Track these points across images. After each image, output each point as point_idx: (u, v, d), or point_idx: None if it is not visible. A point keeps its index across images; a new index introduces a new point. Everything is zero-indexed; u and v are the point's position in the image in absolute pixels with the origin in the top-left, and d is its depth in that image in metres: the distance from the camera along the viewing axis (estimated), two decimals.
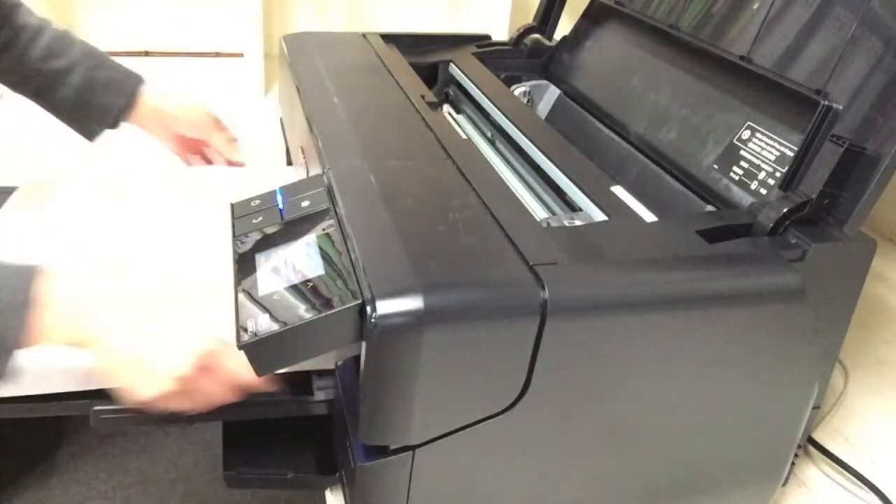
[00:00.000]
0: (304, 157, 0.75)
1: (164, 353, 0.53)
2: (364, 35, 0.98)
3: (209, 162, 0.92)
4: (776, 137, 0.65)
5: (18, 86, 0.82)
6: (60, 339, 0.53)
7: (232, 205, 0.63)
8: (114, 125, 0.85)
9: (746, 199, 0.64)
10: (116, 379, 0.54)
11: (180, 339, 0.55)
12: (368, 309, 0.45)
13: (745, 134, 0.68)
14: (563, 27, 1.02)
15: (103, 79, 0.83)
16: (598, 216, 0.62)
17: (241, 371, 0.56)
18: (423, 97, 0.77)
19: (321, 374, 0.60)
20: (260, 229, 0.58)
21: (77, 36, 0.84)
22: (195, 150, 0.91)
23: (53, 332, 0.52)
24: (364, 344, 0.47)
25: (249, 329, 0.49)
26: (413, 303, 0.45)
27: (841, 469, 0.76)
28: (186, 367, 0.53)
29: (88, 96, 0.83)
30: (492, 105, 0.84)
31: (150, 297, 0.56)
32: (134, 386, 0.54)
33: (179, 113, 0.87)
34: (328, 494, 0.62)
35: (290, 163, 0.95)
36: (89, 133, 0.85)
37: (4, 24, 0.78)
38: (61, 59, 0.81)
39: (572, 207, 0.67)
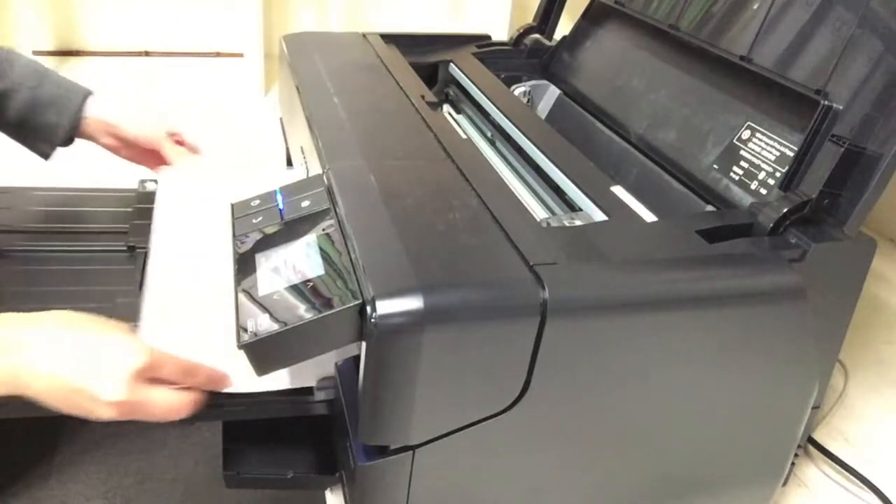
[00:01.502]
0: (304, 157, 0.75)
1: (94, 383, 0.53)
2: (364, 35, 0.98)
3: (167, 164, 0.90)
4: (776, 137, 0.65)
5: None
6: None
7: (232, 205, 0.63)
8: (65, 143, 0.85)
9: (746, 199, 0.64)
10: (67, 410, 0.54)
11: (109, 365, 0.53)
12: (368, 309, 0.45)
13: (745, 134, 0.68)
14: (563, 27, 1.02)
15: (47, 97, 0.82)
16: (598, 216, 0.62)
17: (182, 378, 0.55)
18: (423, 97, 0.77)
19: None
20: (260, 229, 0.58)
21: (21, 54, 0.83)
22: (149, 157, 0.90)
23: None
24: (364, 344, 0.47)
25: (249, 329, 0.49)
26: (413, 303, 0.45)
27: (841, 469, 0.76)
28: (122, 390, 0.53)
29: (33, 116, 0.82)
30: (492, 105, 0.84)
31: (77, 325, 0.55)
32: (82, 416, 0.54)
33: (128, 124, 0.87)
34: (328, 494, 0.62)
35: (290, 163, 0.95)
36: (42, 152, 0.85)
37: None
38: (3, 81, 0.80)
39: (572, 207, 0.67)
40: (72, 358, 0.53)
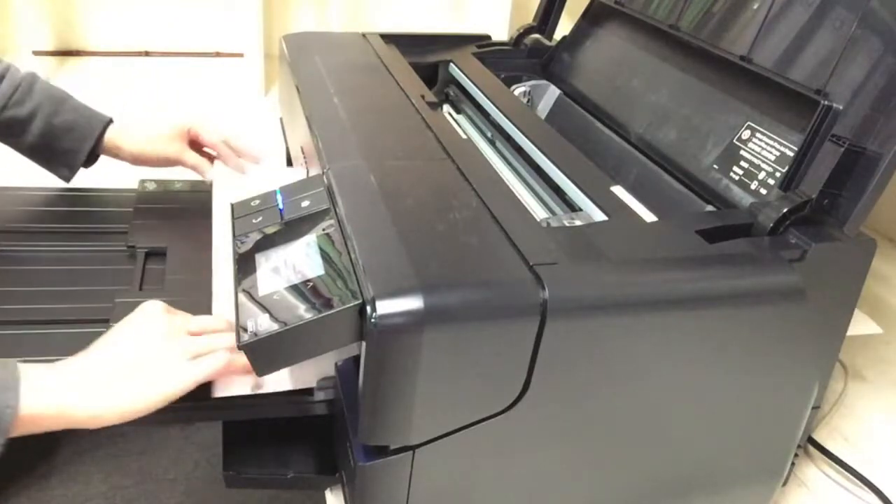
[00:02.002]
0: (304, 157, 0.75)
1: (134, 330, 0.57)
2: (364, 35, 0.98)
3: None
4: (776, 137, 0.65)
5: None
6: (53, 423, 0.53)
7: (232, 205, 0.63)
8: (86, 165, 0.87)
9: (746, 199, 0.64)
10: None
11: (136, 317, 0.59)
12: (368, 309, 0.45)
13: (745, 134, 0.68)
14: (563, 27, 1.02)
15: (64, 124, 0.84)
16: (598, 216, 0.62)
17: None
18: (423, 97, 0.77)
19: None
20: (260, 229, 0.58)
21: (40, 79, 0.84)
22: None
23: (44, 418, 0.52)
24: (364, 344, 0.47)
25: (249, 329, 0.49)
26: (413, 303, 0.45)
27: (841, 469, 0.76)
28: (159, 316, 0.58)
29: (51, 142, 0.84)
30: (492, 105, 0.83)
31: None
32: (143, 391, 0.54)
33: (143, 148, 0.88)
34: (328, 494, 0.62)
35: (290, 163, 0.95)
36: (62, 175, 0.87)
37: None
38: (22, 107, 0.81)
39: (572, 207, 0.67)
40: (103, 346, 0.57)
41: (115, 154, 0.88)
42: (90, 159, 0.87)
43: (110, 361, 0.55)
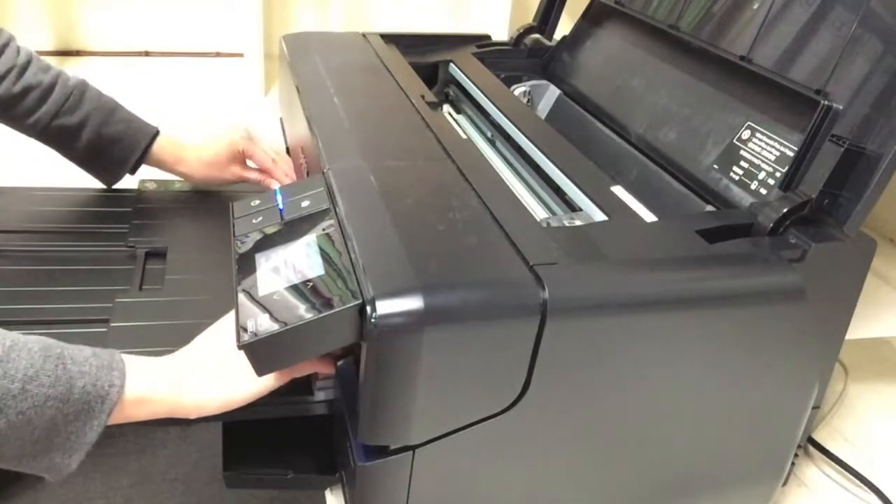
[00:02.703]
0: (304, 157, 0.75)
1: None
2: (364, 35, 0.98)
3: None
4: (776, 137, 0.65)
5: (37, 137, 0.84)
6: (159, 410, 0.54)
7: (232, 205, 0.63)
8: (132, 172, 0.89)
9: (746, 199, 0.64)
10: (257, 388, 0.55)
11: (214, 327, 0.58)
12: (368, 309, 0.45)
13: (745, 134, 0.68)
14: (563, 27, 1.02)
15: (113, 134, 0.85)
16: (598, 216, 0.62)
17: None
18: (423, 97, 0.77)
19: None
20: (260, 229, 0.58)
21: (91, 87, 0.85)
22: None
23: (152, 403, 0.53)
24: (364, 344, 0.47)
25: (249, 329, 0.49)
26: (413, 303, 0.45)
27: (841, 469, 0.76)
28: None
29: (100, 151, 0.85)
30: (492, 105, 0.83)
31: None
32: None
33: (205, 174, 0.90)
34: (328, 494, 0.62)
35: None
36: (106, 182, 0.89)
37: (17, 81, 0.80)
38: (72, 116, 0.83)
39: (572, 207, 0.67)
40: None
41: (159, 164, 0.89)
42: (134, 167, 0.89)
43: (212, 355, 0.56)
